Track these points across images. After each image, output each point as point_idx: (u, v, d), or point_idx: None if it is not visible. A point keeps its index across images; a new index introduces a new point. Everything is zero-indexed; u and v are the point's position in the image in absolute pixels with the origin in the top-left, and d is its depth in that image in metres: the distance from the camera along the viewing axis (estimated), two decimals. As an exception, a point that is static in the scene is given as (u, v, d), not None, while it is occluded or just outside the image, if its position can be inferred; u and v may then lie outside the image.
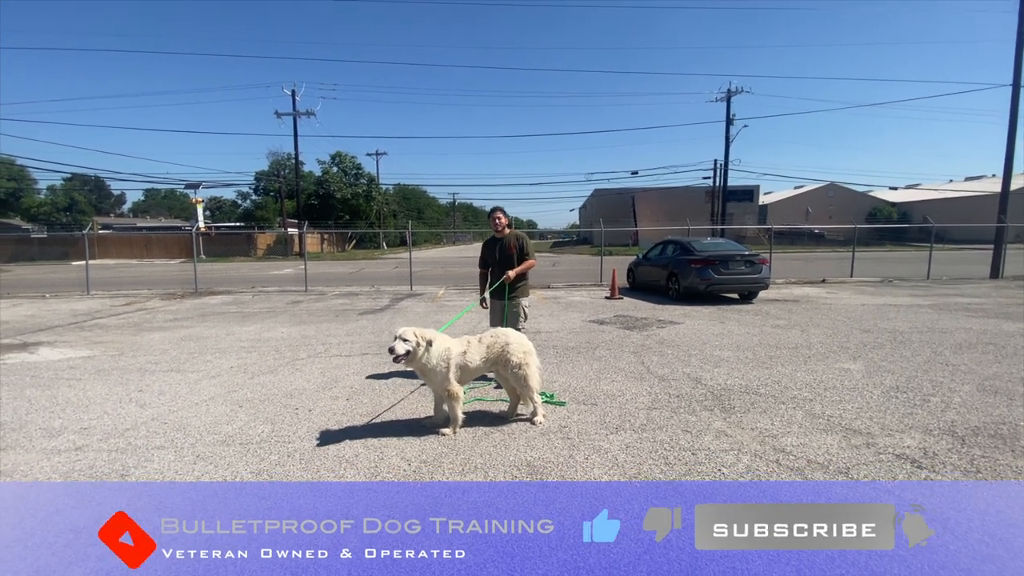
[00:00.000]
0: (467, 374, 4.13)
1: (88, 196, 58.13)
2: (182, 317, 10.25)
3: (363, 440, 3.86)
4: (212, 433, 4.05)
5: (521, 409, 4.39)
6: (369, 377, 5.66)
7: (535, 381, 4.16)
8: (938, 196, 55.52)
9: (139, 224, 63.19)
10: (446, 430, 3.99)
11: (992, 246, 16.88)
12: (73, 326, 9.32)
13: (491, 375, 4.80)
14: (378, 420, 4.31)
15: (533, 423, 4.15)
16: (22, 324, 9.55)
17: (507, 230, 5.26)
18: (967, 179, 66.87)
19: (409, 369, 4.08)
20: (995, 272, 16.27)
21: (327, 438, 3.91)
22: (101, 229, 46.30)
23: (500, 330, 4.34)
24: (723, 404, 4.57)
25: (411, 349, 3.82)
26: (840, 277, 16.74)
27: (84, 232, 16.46)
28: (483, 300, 5.35)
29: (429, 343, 3.89)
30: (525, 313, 5.29)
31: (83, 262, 16.66)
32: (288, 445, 3.78)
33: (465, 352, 4.06)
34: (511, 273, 5.04)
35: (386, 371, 5.84)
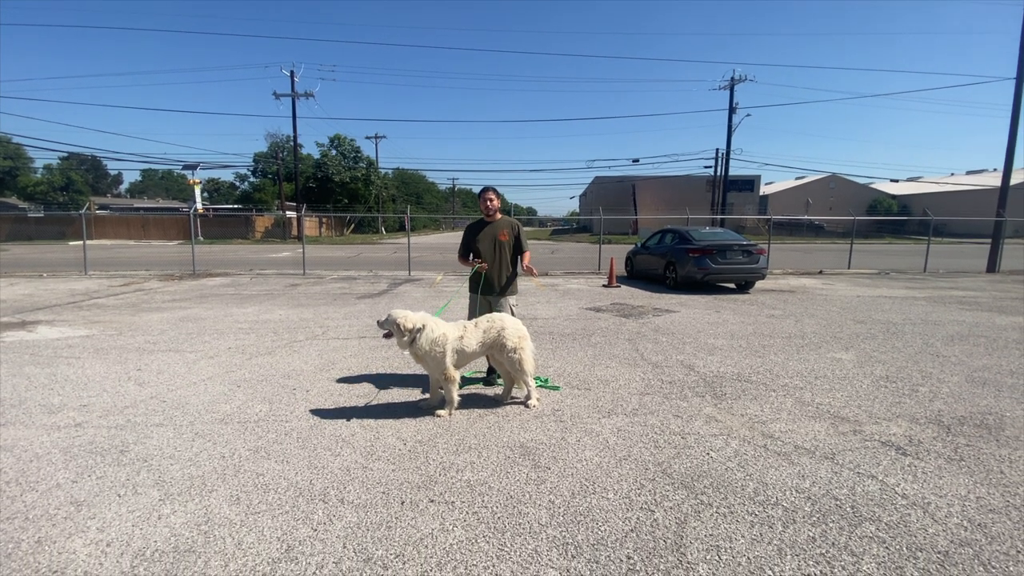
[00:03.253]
0: (464, 358, 4.17)
1: (85, 176, 57.74)
2: (180, 298, 10.27)
3: (360, 420, 3.92)
4: (210, 412, 4.10)
5: (516, 392, 4.46)
6: (366, 360, 5.70)
7: (530, 365, 4.22)
8: (939, 189, 55.46)
9: (136, 205, 62.64)
10: (442, 412, 4.05)
11: (990, 240, 16.94)
12: (71, 306, 9.33)
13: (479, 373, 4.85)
14: (375, 401, 4.36)
15: (527, 406, 4.21)
16: (20, 303, 9.56)
17: (498, 215, 4.82)
18: (968, 173, 66.74)
19: (405, 352, 4.13)
20: (992, 266, 16.33)
21: (324, 418, 3.96)
22: (98, 209, 45.98)
23: (496, 315, 4.37)
24: (714, 391, 4.63)
25: (392, 332, 4.01)
26: (838, 268, 16.79)
27: (81, 212, 16.37)
28: (474, 264, 4.69)
29: (413, 330, 3.95)
30: (512, 312, 4.75)
31: (80, 242, 16.61)
32: (286, 424, 3.84)
33: (462, 337, 4.10)
34: (535, 271, 4.84)
35: (383, 354, 5.89)
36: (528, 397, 4.25)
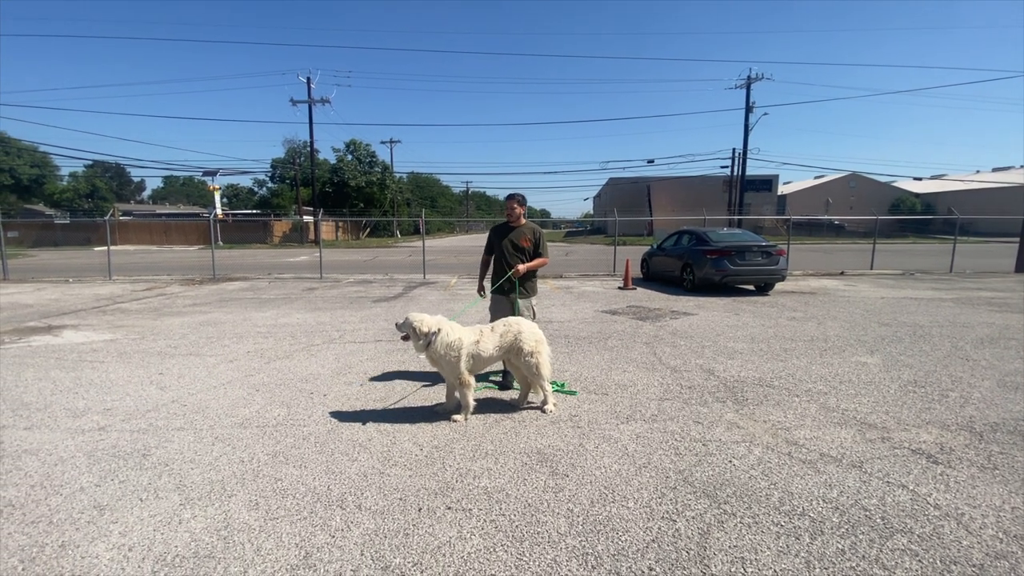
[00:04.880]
0: (480, 363, 4.15)
1: (109, 183, 58.99)
2: (200, 302, 10.44)
3: (376, 424, 3.92)
4: (230, 416, 4.14)
5: (532, 397, 4.42)
6: (382, 363, 5.72)
7: (546, 370, 4.18)
8: (964, 187, 54.02)
9: (159, 211, 64.19)
10: (458, 417, 4.03)
11: (1018, 239, 16.43)
12: (96, 310, 9.54)
13: (495, 378, 4.83)
14: (391, 406, 4.37)
15: (544, 411, 4.17)
16: (47, 308, 9.80)
17: (522, 220, 4.96)
18: (994, 170, 64.97)
19: (421, 356, 4.13)
20: (1020, 266, 15.82)
21: (341, 422, 3.97)
22: (122, 215, 47.10)
23: (512, 319, 4.34)
24: (736, 396, 4.54)
25: (408, 334, 4.01)
26: (860, 269, 16.42)
27: (106, 218, 16.74)
28: (481, 289, 5.16)
29: (429, 334, 3.94)
30: (534, 312, 4.97)
31: (105, 248, 16.99)
32: (303, 428, 3.86)
33: (478, 341, 4.08)
34: (521, 268, 4.71)
35: (399, 358, 5.90)
36: (545, 402, 4.21)
